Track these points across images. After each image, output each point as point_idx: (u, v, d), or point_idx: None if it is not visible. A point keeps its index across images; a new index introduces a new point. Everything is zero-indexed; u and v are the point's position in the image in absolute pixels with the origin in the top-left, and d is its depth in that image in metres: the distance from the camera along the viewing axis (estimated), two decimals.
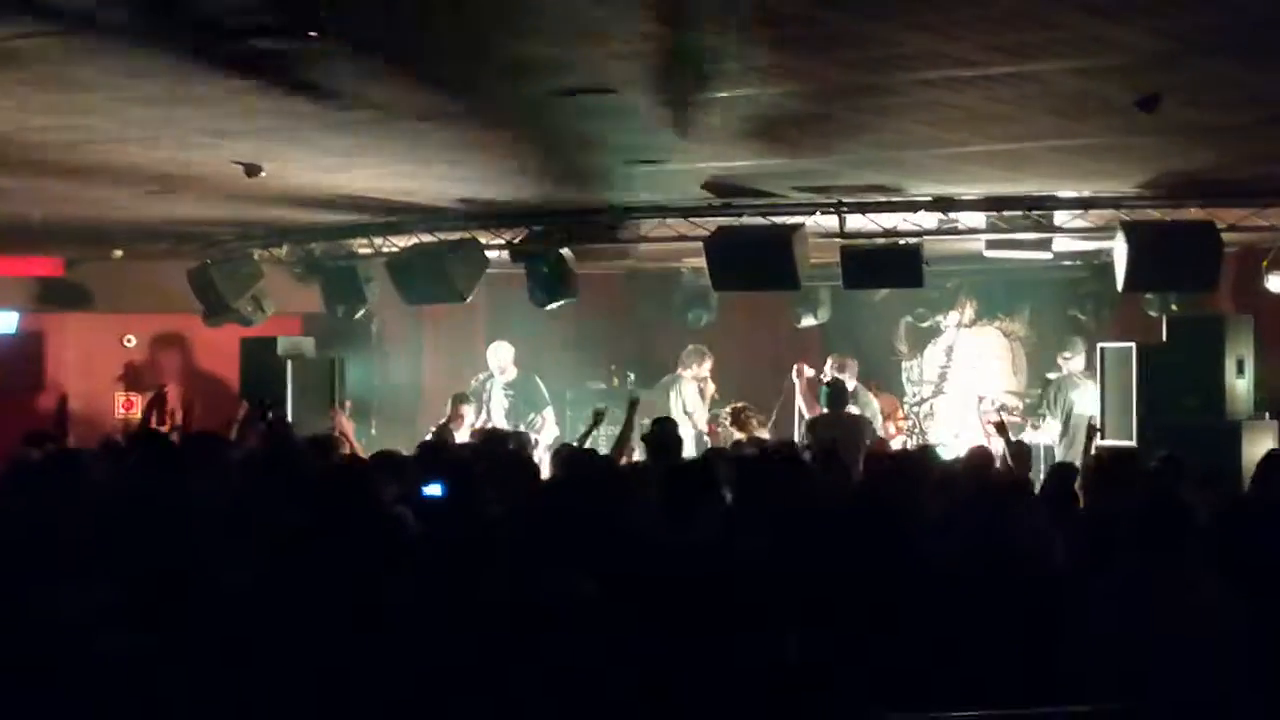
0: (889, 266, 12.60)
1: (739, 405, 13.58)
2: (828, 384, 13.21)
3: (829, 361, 14.49)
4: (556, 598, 5.80)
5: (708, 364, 15.41)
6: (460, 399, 14.24)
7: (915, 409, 16.44)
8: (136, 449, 8.76)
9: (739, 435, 12.81)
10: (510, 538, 6.42)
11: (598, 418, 11.66)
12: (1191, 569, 5.92)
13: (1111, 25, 6.55)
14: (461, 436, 13.25)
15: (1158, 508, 6.13)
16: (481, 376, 15.42)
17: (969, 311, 16.72)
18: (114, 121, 8.78)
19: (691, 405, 15.05)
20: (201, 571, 6.37)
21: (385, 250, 14.17)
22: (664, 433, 10.28)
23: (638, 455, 10.66)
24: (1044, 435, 14.14)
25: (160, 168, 10.53)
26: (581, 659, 5.64)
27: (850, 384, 13.78)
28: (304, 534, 6.57)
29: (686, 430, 13.20)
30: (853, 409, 13.22)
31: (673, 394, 15.12)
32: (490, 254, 13.64)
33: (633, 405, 11.01)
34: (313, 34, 6.65)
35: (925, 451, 11.09)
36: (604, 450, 10.89)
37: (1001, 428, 11.08)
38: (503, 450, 10.29)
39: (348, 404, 14.46)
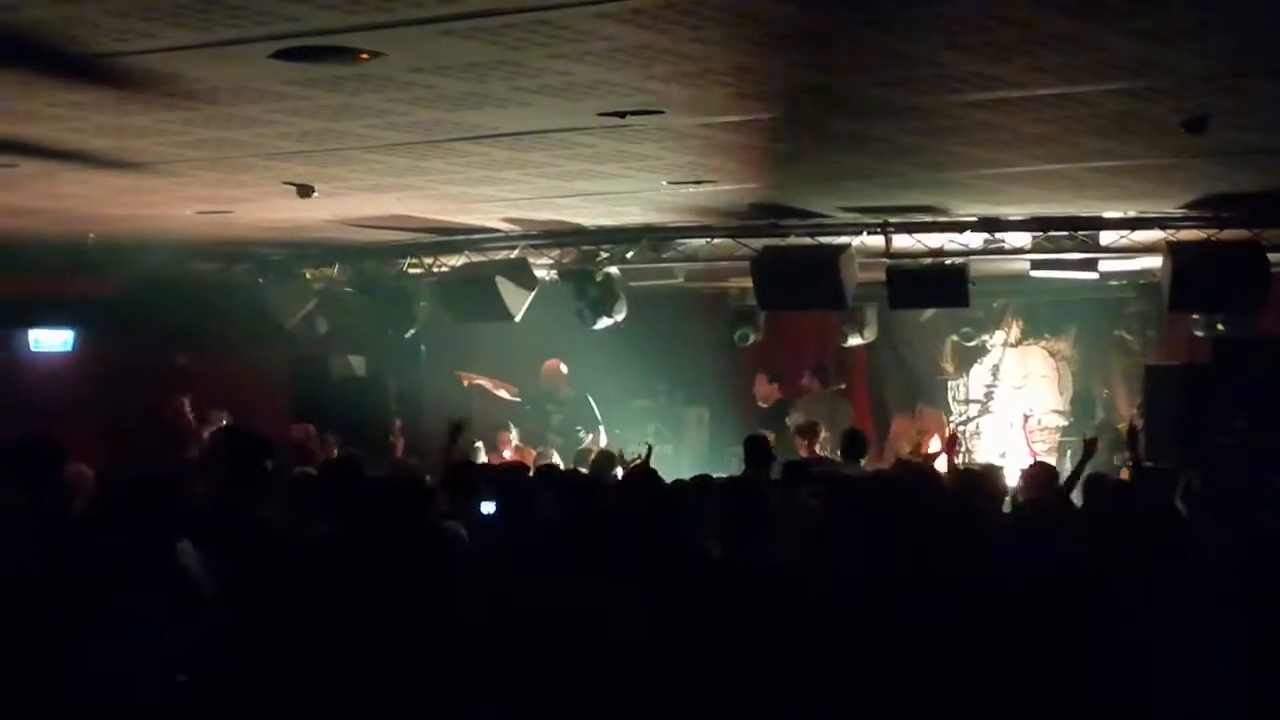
0: (935, 286, 12.65)
1: (812, 420, 13.64)
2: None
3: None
4: (598, 609, 5.86)
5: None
6: (499, 426, 14.47)
7: (962, 428, 16.44)
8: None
9: (802, 451, 12.84)
10: (561, 552, 6.47)
11: (649, 450, 11.92)
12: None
13: (1157, 47, 6.57)
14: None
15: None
16: (534, 394, 15.57)
17: (1015, 331, 16.72)
18: (167, 142, 8.88)
19: None
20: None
21: (435, 270, 14.28)
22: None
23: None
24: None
25: (213, 188, 10.67)
26: (627, 670, 5.70)
27: None
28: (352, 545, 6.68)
29: None
30: None
31: None
32: (539, 273, 13.74)
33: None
34: (364, 55, 6.75)
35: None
36: None
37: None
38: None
39: (398, 423, 14.57)
